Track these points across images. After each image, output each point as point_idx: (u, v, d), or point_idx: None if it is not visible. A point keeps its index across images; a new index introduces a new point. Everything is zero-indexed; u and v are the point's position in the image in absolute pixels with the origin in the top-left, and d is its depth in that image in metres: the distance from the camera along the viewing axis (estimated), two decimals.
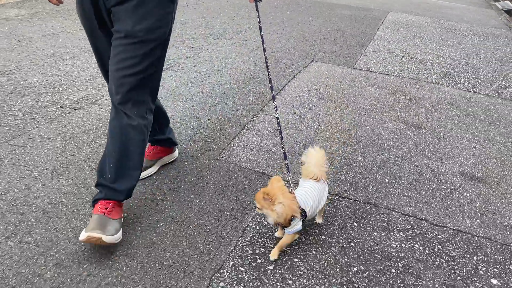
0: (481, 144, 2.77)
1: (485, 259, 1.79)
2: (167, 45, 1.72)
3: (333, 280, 1.61)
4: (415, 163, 2.47)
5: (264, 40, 1.93)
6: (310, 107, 3.08)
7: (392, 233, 1.89)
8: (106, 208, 1.71)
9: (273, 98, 1.89)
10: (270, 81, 1.91)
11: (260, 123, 2.77)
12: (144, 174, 2.11)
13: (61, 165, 2.16)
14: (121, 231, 1.71)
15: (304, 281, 1.60)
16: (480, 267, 1.75)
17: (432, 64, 4.35)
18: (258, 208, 1.64)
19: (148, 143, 2.15)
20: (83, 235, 1.60)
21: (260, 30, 1.95)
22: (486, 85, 3.87)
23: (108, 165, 1.73)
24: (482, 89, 3.77)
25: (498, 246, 1.86)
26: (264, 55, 1.95)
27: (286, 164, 1.81)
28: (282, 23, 5.19)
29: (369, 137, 2.72)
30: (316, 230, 1.87)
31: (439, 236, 1.91)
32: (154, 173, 2.18)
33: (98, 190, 1.77)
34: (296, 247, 1.76)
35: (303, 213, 1.64)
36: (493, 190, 2.30)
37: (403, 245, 1.83)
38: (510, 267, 1.77)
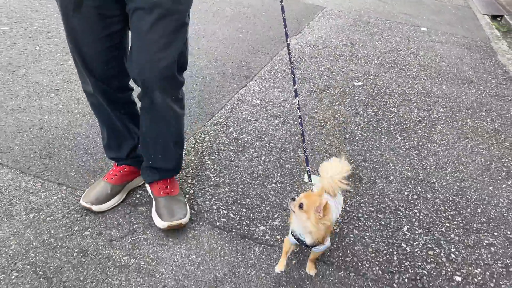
0: (433, 14, 6.53)
1: (413, 34, 5.59)
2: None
3: None
4: (396, 12, 6.23)
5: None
6: None
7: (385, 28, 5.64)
8: (166, 187, 1.88)
9: (296, 94, 1.86)
10: (292, 73, 1.88)
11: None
12: (108, 205, 1.92)
13: None
14: (186, 202, 1.92)
15: None
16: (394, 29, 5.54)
17: None
18: (300, 207, 1.49)
19: (114, 163, 2.02)
20: (163, 225, 1.79)
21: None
22: None
23: (151, 149, 1.82)
24: None
25: (426, 34, 5.64)
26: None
27: (308, 171, 1.79)
28: None
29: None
30: None
31: (406, 27, 5.66)
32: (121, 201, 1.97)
33: (149, 171, 1.89)
34: None
35: None
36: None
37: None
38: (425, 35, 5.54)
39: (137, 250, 1.79)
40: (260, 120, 2.92)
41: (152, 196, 1.94)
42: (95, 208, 1.89)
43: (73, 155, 2.30)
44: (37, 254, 1.69)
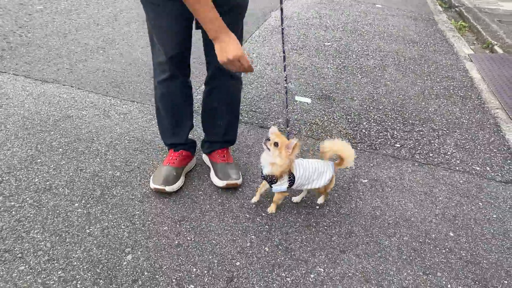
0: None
1: (370, 9, 6.79)
2: None
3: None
4: None
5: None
6: None
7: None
8: (224, 156, 2.28)
9: (286, 80, 2.24)
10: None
11: None
12: (177, 185, 2.15)
13: None
14: (239, 168, 2.34)
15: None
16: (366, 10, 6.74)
17: None
18: (275, 144, 1.84)
19: (170, 149, 2.28)
20: (222, 183, 2.17)
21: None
22: None
23: (213, 124, 2.26)
24: None
25: (380, 9, 6.86)
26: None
27: (287, 134, 2.06)
28: None
29: None
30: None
31: (364, 5, 6.87)
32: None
33: (209, 144, 2.33)
34: None
35: (292, 177, 1.92)
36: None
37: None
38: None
39: None
40: (258, 66, 4.02)
41: (210, 164, 2.34)
42: (168, 188, 2.11)
43: (133, 86, 3.32)
44: (136, 132, 2.73)
